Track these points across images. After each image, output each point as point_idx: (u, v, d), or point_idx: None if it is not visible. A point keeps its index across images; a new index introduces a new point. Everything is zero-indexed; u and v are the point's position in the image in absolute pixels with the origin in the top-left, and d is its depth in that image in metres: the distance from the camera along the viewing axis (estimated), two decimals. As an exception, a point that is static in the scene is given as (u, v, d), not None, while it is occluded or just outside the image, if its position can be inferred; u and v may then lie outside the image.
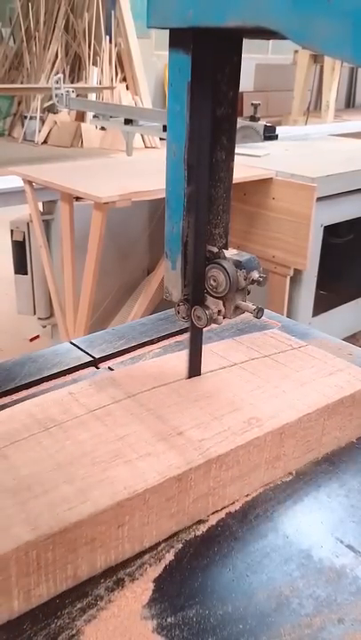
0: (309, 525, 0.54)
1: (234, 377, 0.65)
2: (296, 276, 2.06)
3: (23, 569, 0.43)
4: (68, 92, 3.21)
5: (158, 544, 0.51)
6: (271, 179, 2.02)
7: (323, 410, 0.61)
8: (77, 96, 3.49)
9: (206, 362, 0.66)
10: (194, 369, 0.65)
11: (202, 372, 0.65)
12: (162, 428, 0.56)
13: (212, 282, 0.59)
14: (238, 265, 0.58)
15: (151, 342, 0.85)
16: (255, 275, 0.58)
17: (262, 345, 0.73)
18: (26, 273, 2.44)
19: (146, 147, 5.99)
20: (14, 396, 0.71)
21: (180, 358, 0.67)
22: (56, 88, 3.23)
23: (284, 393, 0.63)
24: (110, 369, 0.78)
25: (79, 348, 0.83)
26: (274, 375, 0.66)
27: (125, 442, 0.54)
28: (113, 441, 0.54)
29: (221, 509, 0.55)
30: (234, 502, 0.56)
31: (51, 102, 3.41)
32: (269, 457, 0.58)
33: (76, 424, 0.56)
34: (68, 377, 0.76)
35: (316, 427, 0.61)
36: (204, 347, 0.66)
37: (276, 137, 2.41)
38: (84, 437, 0.54)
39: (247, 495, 0.57)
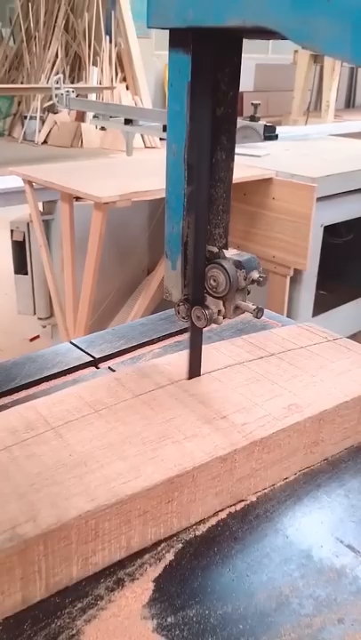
0: (309, 525, 0.54)
1: (272, 367, 0.68)
2: (296, 276, 2.06)
3: (82, 537, 0.46)
4: (68, 91, 3.20)
5: (158, 544, 0.51)
6: (271, 179, 2.02)
7: (359, 399, 0.64)
8: (77, 96, 3.48)
9: (245, 352, 0.70)
10: (194, 369, 0.65)
11: (242, 361, 0.69)
12: (206, 412, 0.59)
13: (212, 282, 0.59)
14: (238, 265, 0.58)
15: (151, 342, 0.85)
16: (255, 275, 0.58)
17: (298, 337, 0.76)
18: (26, 273, 2.44)
19: (146, 147, 5.98)
20: (14, 396, 0.71)
21: (218, 349, 0.71)
22: (56, 88, 3.23)
23: (321, 382, 0.65)
24: (111, 369, 0.78)
25: (79, 348, 0.83)
26: (311, 365, 0.69)
27: (172, 424, 0.57)
28: (160, 423, 0.57)
29: (258, 492, 0.57)
30: (273, 486, 0.58)
31: (51, 102, 3.41)
32: (308, 442, 0.61)
33: (124, 407, 0.59)
34: (68, 377, 0.76)
35: (353, 414, 0.64)
36: (240, 338, 0.72)
37: (276, 137, 2.41)
38: (133, 419, 0.57)
39: (252, 494, 0.57)
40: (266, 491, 0.58)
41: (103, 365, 0.79)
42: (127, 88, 6.56)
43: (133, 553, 0.50)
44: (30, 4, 6.72)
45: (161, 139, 3.46)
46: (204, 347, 0.65)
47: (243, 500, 0.57)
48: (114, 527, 0.48)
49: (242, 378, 0.65)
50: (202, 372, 0.66)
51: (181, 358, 0.66)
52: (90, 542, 0.47)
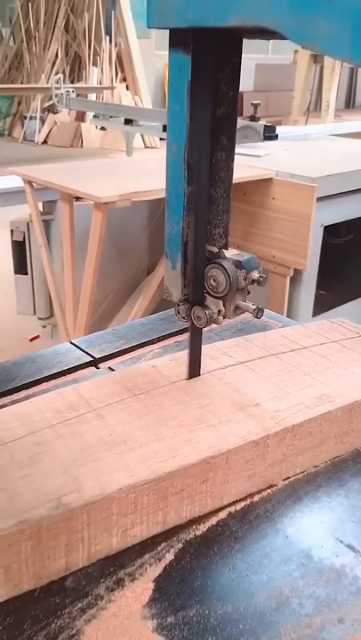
0: (309, 525, 0.54)
1: (304, 359, 0.70)
2: (296, 276, 2.06)
3: (122, 509, 0.49)
4: (68, 91, 3.20)
5: (158, 544, 0.51)
6: (271, 179, 2.02)
7: None
8: (77, 96, 3.48)
9: (278, 344, 0.73)
10: (193, 369, 0.65)
11: (274, 353, 0.71)
12: (239, 399, 0.61)
13: (212, 282, 0.59)
14: (238, 265, 0.58)
15: (151, 342, 0.85)
16: (255, 275, 0.58)
17: (330, 332, 0.78)
18: (26, 273, 2.44)
19: (146, 147, 5.98)
20: (14, 396, 0.71)
21: (251, 341, 0.73)
22: (56, 88, 3.23)
23: (353, 374, 0.67)
24: (111, 369, 0.78)
25: (79, 348, 0.83)
26: (342, 358, 0.71)
27: (206, 409, 0.59)
28: (195, 408, 0.59)
29: (288, 478, 0.59)
30: (303, 472, 0.60)
31: (51, 102, 3.41)
32: (339, 431, 0.62)
33: (160, 393, 0.62)
34: (68, 377, 0.76)
35: None
36: (273, 332, 0.76)
37: (276, 137, 2.41)
38: (169, 404, 0.60)
39: (252, 495, 0.57)
40: (267, 491, 0.58)
41: (103, 365, 0.79)
42: (127, 88, 6.56)
43: (134, 553, 0.50)
44: (30, 4, 6.72)
45: (161, 139, 3.46)
46: (236, 339, 0.70)
47: (243, 500, 0.57)
48: (152, 502, 0.51)
49: (274, 368, 0.68)
50: (235, 361, 0.68)
51: (215, 349, 0.70)
52: (129, 515, 0.50)
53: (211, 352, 0.70)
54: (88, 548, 0.49)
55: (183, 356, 0.66)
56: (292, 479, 0.60)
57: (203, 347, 0.66)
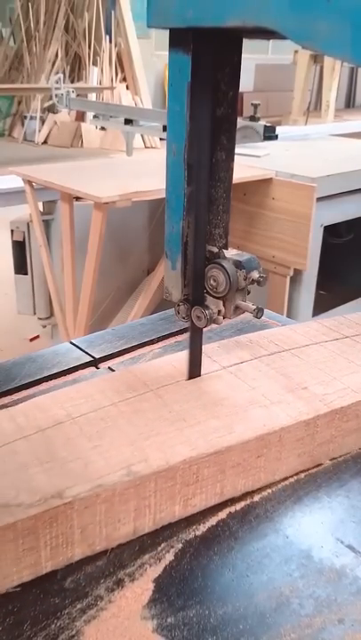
0: (309, 525, 0.54)
1: (347, 347, 0.73)
2: (296, 276, 2.07)
3: (185, 480, 0.53)
4: (68, 91, 3.20)
5: (159, 544, 0.51)
6: (271, 179, 2.02)
7: None
8: (77, 96, 3.48)
9: (320, 334, 0.76)
10: (194, 369, 0.65)
11: (318, 341, 0.74)
12: (288, 383, 0.64)
13: (212, 282, 0.59)
14: (238, 265, 0.57)
15: (151, 342, 0.85)
16: (255, 275, 0.58)
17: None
18: (26, 273, 2.44)
19: (146, 147, 5.98)
20: (14, 396, 0.71)
21: (295, 331, 0.76)
22: (56, 88, 3.23)
23: None
24: (111, 369, 0.78)
25: (79, 348, 0.83)
26: None
27: (258, 392, 0.63)
28: (247, 390, 0.63)
29: (335, 458, 0.61)
30: (348, 454, 0.63)
31: (51, 102, 3.41)
32: None
33: (213, 376, 0.65)
34: (69, 377, 0.76)
35: None
36: (314, 321, 0.78)
37: (276, 137, 2.41)
38: (222, 386, 0.63)
39: (252, 494, 0.57)
40: (267, 491, 0.58)
41: (103, 365, 0.79)
42: (127, 88, 6.56)
43: (134, 553, 0.50)
44: (30, 4, 6.71)
45: (161, 139, 3.46)
46: (280, 328, 0.76)
47: (243, 500, 0.57)
48: (211, 474, 0.54)
49: (320, 355, 0.71)
50: (282, 349, 0.71)
51: (261, 337, 0.74)
52: (191, 485, 0.54)
53: (257, 339, 0.74)
54: (154, 515, 0.53)
55: (228, 344, 0.71)
56: (292, 480, 0.60)
57: (249, 334, 0.71)
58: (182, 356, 0.66)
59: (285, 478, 0.60)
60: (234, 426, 0.57)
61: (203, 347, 0.66)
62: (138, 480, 0.50)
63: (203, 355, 0.66)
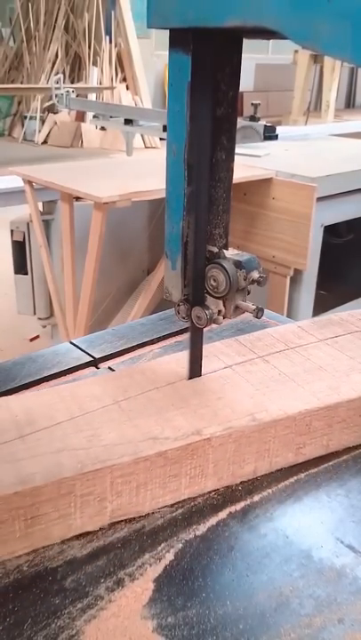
0: (309, 525, 0.54)
1: None
2: (296, 276, 2.07)
3: (299, 429, 0.60)
4: (68, 91, 3.20)
5: (159, 544, 0.51)
6: (271, 179, 2.02)
7: None
8: (77, 96, 3.48)
9: None
10: (194, 369, 0.65)
11: None
12: None
13: (212, 282, 0.59)
14: (238, 265, 0.57)
15: (151, 342, 0.85)
16: (255, 275, 0.58)
17: None
18: (26, 273, 2.44)
19: (146, 147, 5.98)
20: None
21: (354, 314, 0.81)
22: (56, 88, 3.23)
23: None
24: (111, 369, 0.78)
25: (79, 348, 0.83)
26: None
27: (356, 360, 0.69)
28: (346, 359, 0.69)
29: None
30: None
31: (51, 102, 3.41)
32: None
33: (312, 347, 0.72)
34: (69, 377, 0.76)
35: None
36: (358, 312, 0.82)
37: (276, 137, 2.41)
38: (322, 355, 0.70)
39: (251, 495, 0.57)
40: (267, 491, 0.58)
41: (103, 365, 0.79)
42: (127, 88, 6.56)
43: (134, 553, 0.50)
44: (30, 4, 6.72)
45: (161, 139, 3.46)
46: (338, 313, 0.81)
47: (243, 500, 0.57)
48: (320, 427, 0.61)
49: None
50: (355, 329, 0.77)
51: (351, 315, 0.80)
52: (303, 435, 0.60)
53: (347, 318, 0.80)
54: (270, 459, 0.60)
55: (321, 321, 0.78)
56: (292, 480, 0.60)
57: (339, 313, 0.77)
58: (283, 329, 0.77)
59: (286, 478, 0.60)
60: (339, 387, 0.63)
61: (299, 322, 0.77)
62: (262, 425, 0.57)
63: (300, 329, 0.76)
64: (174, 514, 0.55)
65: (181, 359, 0.66)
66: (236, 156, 0.59)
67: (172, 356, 0.70)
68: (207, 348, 0.69)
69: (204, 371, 0.65)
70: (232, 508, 0.56)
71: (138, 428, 0.56)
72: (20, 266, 2.44)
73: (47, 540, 0.50)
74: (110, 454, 0.52)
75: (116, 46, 6.55)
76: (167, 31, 0.52)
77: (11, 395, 0.72)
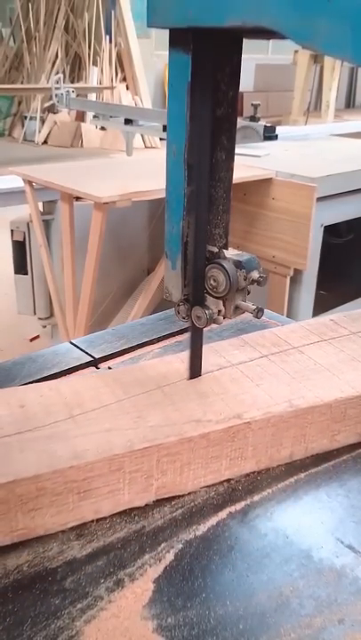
0: (310, 525, 0.54)
1: None
2: (296, 276, 2.06)
3: (334, 417, 0.62)
4: (68, 91, 3.20)
5: (159, 544, 0.51)
6: (271, 179, 2.02)
7: None
8: (77, 96, 3.48)
9: None
10: (194, 369, 0.65)
11: None
12: None
13: (212, 282, 0.59)
14: (238, 265, 0.57)
15: (151, 342, 0.85)
16: (255, 275, 0.58)
17: None
18: (26, 273, 2.44)
19: (146, 147, 5.99)
20: (14, 396, 0.71)
21: None
22: (56, 88, 3.23)
23: None
24: (110, 369, 0.78)
25: (79, 348, 0.83)
26: None
27: None
28: None
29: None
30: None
31: (51, 102, 3.41)
32: None
33: (344, 340, 0.75)
34: (68, 377, 0.76)
35: None
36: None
37: (276, 137, 2.41)
38: (355, 347, 0.72)
39: (252, 495, 0.57)
40: (267, 491, 0.58)
41: (103, 365, 0.79)
42: (127, 88, 6.57)
43: (134, 553, 0.50)
44: (30, 4, 6.72)
45: (161, 139, 3.46)
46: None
47: (243, 500, 0.57)
48: (355, 415, 0.63)
49: None
50: None
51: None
52: (338, 422, 0.63)
53: None
54: (306, 444, 0.62)
55: (354, 314, 0.80)
56: (292, 479, 0.60)
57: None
58: (315, 322, 0.79)
59: (286, 478, 0.60)
60: None
61: (332, 315, 0.79)
62: (299, 411, 0.60)
63: (332, 322, 0.79)
64: (174, 514, 0.55)
65: (220, 348, 0.71)
66: (235, 156, 0.59)
67: (210, 346, 0.72)
68: (243, 339, 0.74)
69: (241, 359, 0.69)
70: (232, 508, 0.56)
71: (181, 411, 0.59)
72: (20, 266, 2.43)
73: (97, 513, 0.53)
74: (157, 434, 0.55)
75: (116, 46, 6.56)
76: (167, 31, 0.52)
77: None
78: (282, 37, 0.41)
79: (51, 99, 3.36)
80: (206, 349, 0.69)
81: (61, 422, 0.57)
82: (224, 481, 0.59)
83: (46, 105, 6.54)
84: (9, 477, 0.48)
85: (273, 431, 0.59)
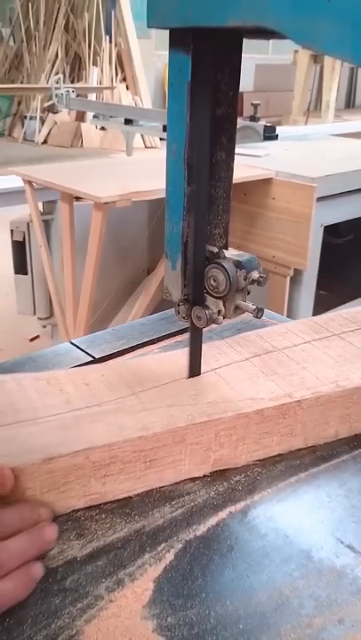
0: (309, 525, 0.54)
1: None
2: (296, 276, 2.06)
3: (344, 405, 0.65)
4: (68, 91, 3.20)
5: (159, 544, 0.51)
6: (271, 179, 2.02)
7: None
8: (77, 96, 3.48)
9: None
10: (194, 369, 0.65)
11: None
12: None
13: (212, 282, 0.59)
14: (238, 265, 0.57)
15: (151, 342, 0.85)
16: (255, 275, 0.58)
17: None
18: (26, 273, 2.44)
19: (146, 147, 5.98)
20: (14, 396, 0.71)
21: None
22: (56, 88, 3.23)
23: None
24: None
25: (79, 348, 0.83)
26: None
27: None
28: None
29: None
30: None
31: (51, 102, 3.40)
32: None
33: (357, 333, 0.77)
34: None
35: None
36: None
37: (276, 137, 2.41)
38: None
39: (251, 494, 0.57)
40: (267, 491, 0.58)
41: (103, 365, 0.79)
42: (127, 88, 6.56)
43: (135, 552, 0.50)
44: (30, 4, 6.71)
45: (161, 139, 3.46)
46: None
47: (243, 500, 0.57)
48: None
49: None
50: None
51: None
52: (351, 407, 0.65)
53: None
54: (351, 423, 0.66)
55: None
56: (292, 479, 0.60)
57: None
58: (355, 311, 0.82)
59: (286, 478, 0.60)
60: None
61: (355, 309, 0.82)
62: (345, 392, 0.64)
63: (341, 317, 0.81)
64: (174, 513, 0.55)
65: (264, 334, 0.76)
66: (236, 156, 0.59)
67: (254, 332, 0.77)
68: (286, 326, 0.79)
69: (286, 343, 0.73)
70: (232, 508, 0.56)
71: (235, 390, 0.63)
72: (20, 266, 2.43)
73: (161, 481, 0.58)
74: (215, 410, 0.59)
75: (116, 46, 6.55)
76: (167, 31, 0.52)
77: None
78: (282, 37, 0.41)
79: (51, 99, 3.36)
80: (253, 335, 0.76)
81: (125, 398, 0.61)
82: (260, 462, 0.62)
83: (46, 105, 6.53)
84: (84, 445, 0.53)
85: (321, 410, 0.63)
